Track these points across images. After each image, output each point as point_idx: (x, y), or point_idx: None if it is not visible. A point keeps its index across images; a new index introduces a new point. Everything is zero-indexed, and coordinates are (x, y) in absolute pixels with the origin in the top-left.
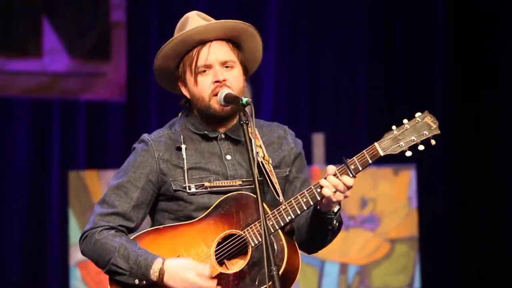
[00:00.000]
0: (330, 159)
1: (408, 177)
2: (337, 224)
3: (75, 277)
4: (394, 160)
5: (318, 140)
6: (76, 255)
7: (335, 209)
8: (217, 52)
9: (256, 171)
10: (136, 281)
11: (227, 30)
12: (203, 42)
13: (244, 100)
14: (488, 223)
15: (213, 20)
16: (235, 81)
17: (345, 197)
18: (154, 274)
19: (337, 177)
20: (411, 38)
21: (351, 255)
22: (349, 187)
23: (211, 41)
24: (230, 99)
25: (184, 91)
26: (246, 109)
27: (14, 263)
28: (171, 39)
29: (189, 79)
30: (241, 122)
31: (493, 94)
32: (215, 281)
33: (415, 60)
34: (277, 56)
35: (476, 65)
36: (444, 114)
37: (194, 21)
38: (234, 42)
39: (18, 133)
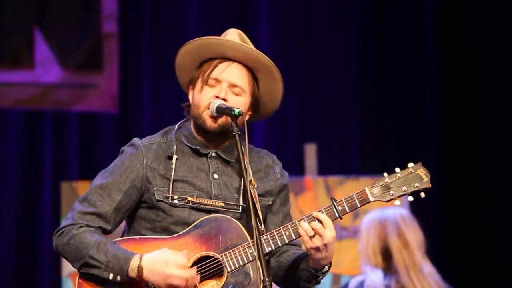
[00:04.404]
0: (323, 169)
1: None
2: (320, 282)
3: None
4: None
5: (311, 151)
6: (69, 266)
7: (325, 269)
8: (232, 73)
9: (248, 183)
10: (110, 276)
11: (249, 57)
12: (226, 58)
13: (237, 111)
14: (482, 235)
15: (249, 44)
16: (235, 106)
17: (325, 245)
18: (132, 271)
19: (320, 216)
20: (403, 46)
21: (344, 265)
22: (330, 236)
23: (234, 61)
24: (222, 110)
25: (190, 94)
26: (238, 121)
27: (6, 274)
28: (199, 38)
29: (198, 84)
30: (233, 133)
31: (482, 105)
32: (194, 269)
33: (406, 69)
34: None
35: (464, 79)
36: (434, 125)
37: (230, 36)
38: (255, 76)
39: (10, 145)
